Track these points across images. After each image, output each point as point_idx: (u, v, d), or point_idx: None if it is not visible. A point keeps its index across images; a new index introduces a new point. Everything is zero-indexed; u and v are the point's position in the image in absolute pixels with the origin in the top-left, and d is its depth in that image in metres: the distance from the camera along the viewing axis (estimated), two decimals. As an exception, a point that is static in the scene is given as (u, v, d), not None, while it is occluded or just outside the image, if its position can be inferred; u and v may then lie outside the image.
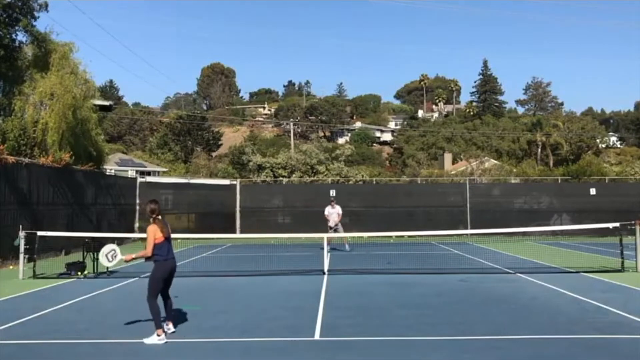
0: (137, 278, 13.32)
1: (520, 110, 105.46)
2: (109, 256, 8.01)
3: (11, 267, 15.09)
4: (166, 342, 7.18)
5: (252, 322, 8.48)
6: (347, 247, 19.99)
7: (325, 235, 15.48)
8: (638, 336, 7.28)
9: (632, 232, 14.13)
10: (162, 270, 7.52)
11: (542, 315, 8.78)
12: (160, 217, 7.60)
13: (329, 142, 64.13)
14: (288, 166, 39.46)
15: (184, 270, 15.09)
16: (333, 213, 19.88)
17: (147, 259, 7.50)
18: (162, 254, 7.48)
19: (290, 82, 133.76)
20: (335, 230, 19.51)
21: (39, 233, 13.85)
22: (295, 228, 26.82)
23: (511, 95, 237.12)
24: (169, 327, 7.63)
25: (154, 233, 7.44)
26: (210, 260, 18.20)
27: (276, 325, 8.25)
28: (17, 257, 13.58)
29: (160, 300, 7.57)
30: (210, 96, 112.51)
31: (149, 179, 32.12)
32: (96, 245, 14.21)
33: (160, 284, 7.55)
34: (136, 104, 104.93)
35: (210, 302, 10.14)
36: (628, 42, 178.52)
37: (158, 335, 7.18)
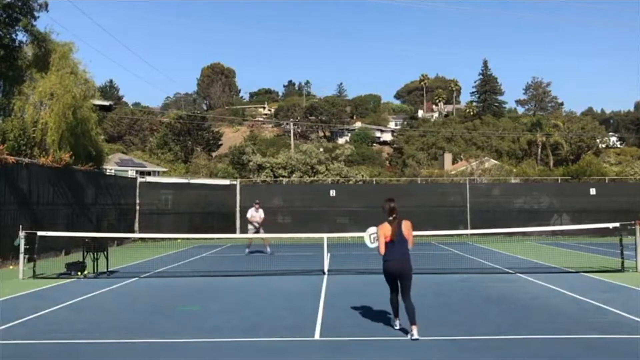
0: (136, 278, 13.32)
1: (520, 110, 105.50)
2: (372, 237, 8.05)
3: (11, 267, 15.09)
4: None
5: (252, 322, 8.47)
6: (268, 249, 19.33)
7: (326, 235, 15.41)
8: (638, 336, 7.28)
9: (632, 232, 14.13)
10: (385, 271, 7.62)
11: (542, 315, 8.77)
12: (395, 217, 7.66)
13: (329, 142, 64.13)
14: (288, 166, 39.45)
15: (184, 270, 15.10)
16: (256, 216, 19.46)
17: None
18: (385, 254, 7.55)
19: (290, 82, 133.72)
20: (257, 231, 19.27)
21: (39, 233, 13.84)
22: (295, 228, 26.81)
23: (511, 95, 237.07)
24: (412, 332, 7.20)
25: (383, 232, 7.57)
26: (210, 260, 18.20)
27: (276, 325, 8.25)
28: (17, 257, 13.57)
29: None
30: (210, 96, 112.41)
31: (149, 179, 32.10)
32: (96, 245, 14.25)
33: (388, 282, 7.68)
34: (136, 104, 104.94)
35: (210, 302, 10.13)
36: (628, 42, 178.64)
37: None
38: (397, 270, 7.53)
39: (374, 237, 8.09)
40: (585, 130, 69.59)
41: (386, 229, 7.58)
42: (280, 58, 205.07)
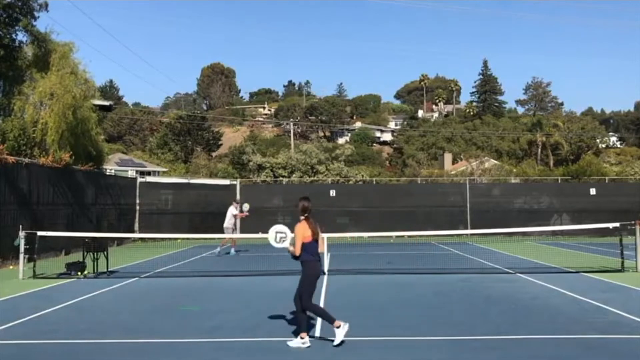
0: (136, 278, 13.32)
1: (520, 110, 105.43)
2: (278, 237, 7.55)
3: (11, 267, 15.09)
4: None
5: (252, 322, 8.47)
6: (218, 250, 19.37)
7: (326, 235, 15.31)
8: (638, 336, 7.28)
9: (632, 232, 14.14)
10: (313, 272, 7.17)
11: (542, 315, 8.77)
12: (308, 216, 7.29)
13: (329, 142, 64.13)
14: (288, 166, 39.45)
15: (184, 270, 15.10)
16: (237, 214, 19.47)
17: (295, 258, 7.21)
18: (312, 253, 7.19)
19: (290, 82, 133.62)
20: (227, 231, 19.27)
21: (39, 233, 13.84)
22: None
23: (511, 95, 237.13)
24: (345, 325, 7.13)
25: (302, 232, 7.15)
26: (210, 260, 18.19)
27: (276, 325, 8.25)
28: (17, 257, 13.57)
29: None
30: (210, 96, 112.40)
31: (149, 179, 32.10)
32: (96, 245, 14.25)
33: (314, 285, 7.19)
34: (136, 104, 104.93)
35: (210, 302, 10.13)
36: (628, 42, 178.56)
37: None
38: (320, 270, 7.30)
39: (281, 236, 7.64)
40: (585, 130, 69.58)
41: (306, 229, 7.18)
42: (280, 58, 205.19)
